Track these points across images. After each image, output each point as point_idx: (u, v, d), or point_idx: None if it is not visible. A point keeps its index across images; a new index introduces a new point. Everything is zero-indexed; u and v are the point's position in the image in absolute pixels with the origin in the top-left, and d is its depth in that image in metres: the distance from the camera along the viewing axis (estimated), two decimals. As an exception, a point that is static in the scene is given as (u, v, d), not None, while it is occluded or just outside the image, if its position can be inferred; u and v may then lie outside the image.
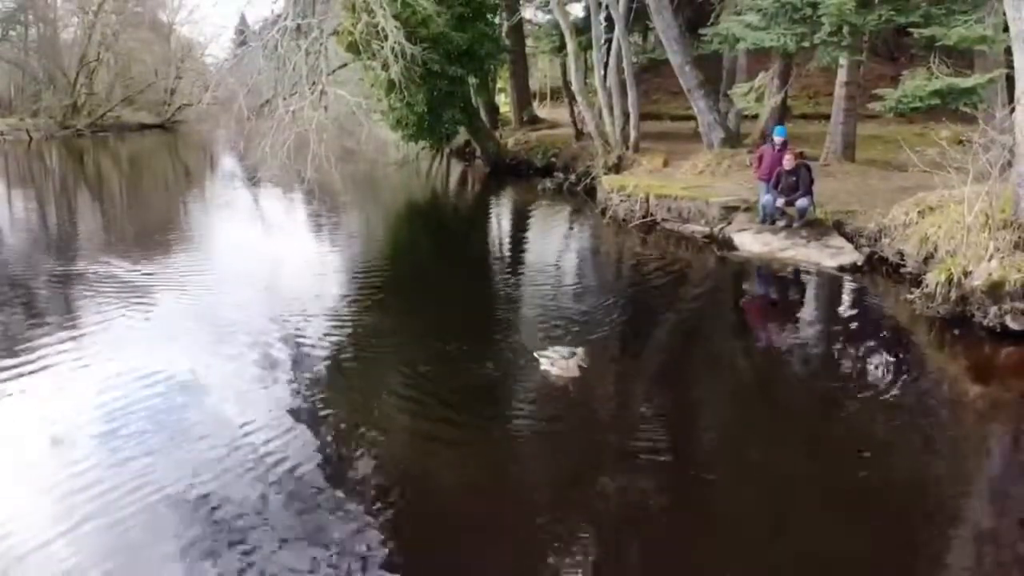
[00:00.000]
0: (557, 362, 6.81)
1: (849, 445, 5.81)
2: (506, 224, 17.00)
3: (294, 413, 6.21)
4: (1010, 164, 8.16)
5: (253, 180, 21.31)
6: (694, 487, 5.36)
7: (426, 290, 10.30)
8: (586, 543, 4.64)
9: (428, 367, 7.29)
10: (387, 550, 4.52)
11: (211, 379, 6.94)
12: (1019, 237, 7.93)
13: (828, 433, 6.14)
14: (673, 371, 7.63)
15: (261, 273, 11.03)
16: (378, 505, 4.96)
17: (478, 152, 23.97)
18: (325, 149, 15.05)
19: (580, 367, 6.82)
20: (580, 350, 7.08)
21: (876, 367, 7.45)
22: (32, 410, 6.36)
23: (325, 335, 8.16)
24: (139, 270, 11.00)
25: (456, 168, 26.21)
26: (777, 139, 12.27)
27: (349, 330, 8.52)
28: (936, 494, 5.31)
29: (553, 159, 21.62)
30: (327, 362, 7.44)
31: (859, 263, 10.59)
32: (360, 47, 16.93)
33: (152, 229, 15.65)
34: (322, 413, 6.28)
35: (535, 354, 7.07)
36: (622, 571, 4.46)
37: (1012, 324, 7.73)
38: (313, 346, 7.78)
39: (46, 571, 4.31)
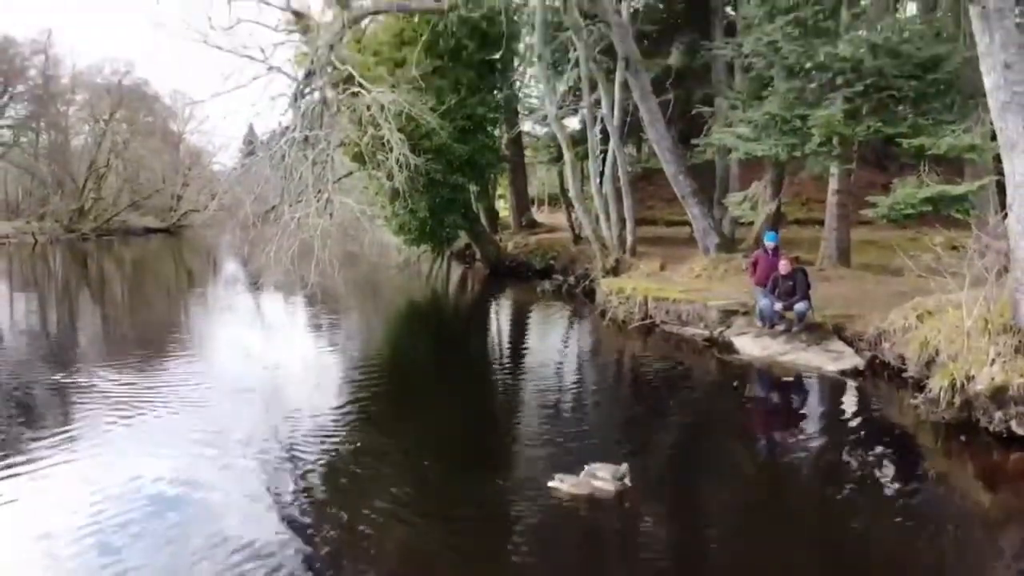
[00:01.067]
0: (567, 479, 6.59)
1: (856, 552, 5.68)
2: (506, 326, 17.10)
3: (283, 528, 6.02)
4: (1006, 269, 8.30)
5: (256, 285, 21.57)
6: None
7: (424, 400, 10.16)
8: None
9: (424, 486, 7.10)
10: None
11: (200, 491, 6.75)
12: (1019, 342, 7.96)
13: (837, 543, 5.98)
14: (680, 482, 7.49)
15: (258, 382, 10.94)
16: None
17: (478, 255, 24.38)
18: (329, 254, 15.29)
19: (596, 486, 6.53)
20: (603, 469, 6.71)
21: (883, 474, 7.35)
22: (20, 517, 6.25)
23: (319, 449, 7.97)
24: (136, 379, 10.92)
25: (456, 270, 26.57)
26: (769, 244, 12.52)
27: (343, 443, 8.24)
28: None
29: (552, 262, 21.98)
30: (319, 477, 7.23)
31: (860, 367, 10.60)
32: (366, 158, 17.49)
33: (152, 335, 15.69)
34: (312, 530, 6.07)
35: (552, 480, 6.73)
36: None
37: (1018, 429, 7.68)
38: (305, 460, 7.57)
39: None
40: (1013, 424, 7.70)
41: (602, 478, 6.48)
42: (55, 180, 44.76)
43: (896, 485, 7.07)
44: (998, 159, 10.21)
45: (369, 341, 15.12)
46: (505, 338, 15.56)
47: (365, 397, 10.11)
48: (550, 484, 6.54)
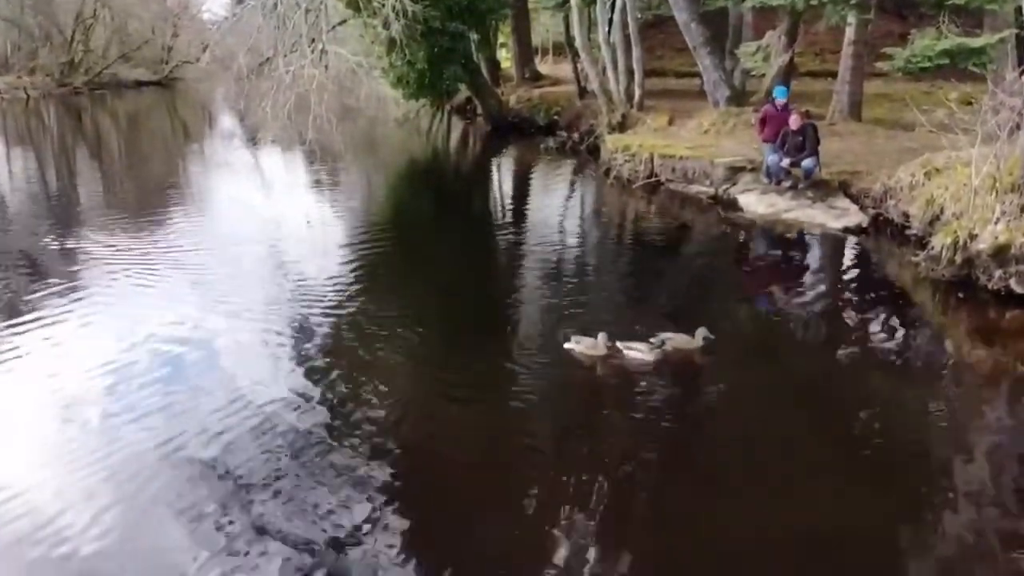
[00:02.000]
0: (584, 341, 6.60)
1: (852, 406, 5.86)
2: (508, 185, 16.92)
3: (285, 391, 6.13)
4: (1019, 127, 8.07)
5: (253, 140, 21.16)
6: (695, 446, 5.44)
7: (426, 259, 10.17)
8: (588, 507, 4.71)
9: (432, 335, 7.32)
10: (390, 511, 4.57)
11: (204, 343, 6.93)
12: (1027, 200, 7.88)
13: (831, 394, 6.17)
14: (667, 315, 7.59)
15: (261, 236, 10.99)
16: (380, 470, 5.00)
17: (479, 109, 23.73)
18: (325, 109, 14.90)
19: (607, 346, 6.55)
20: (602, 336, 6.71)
21: (880, 329, 7.48)
22: (36, 370, 6.44)
23: (327, 300, 8.14)
24: (137, 237, 10.94)
25: (457, 126, 25.99)
26: (779, 100, 12.15)
27: (347, 303, 8.29)
28: (936, 455, 5.38)
29: (556, 117, 21.42)
30: (329, 326, 7.43)
31: (864, 225, 10.56)
32: (360, 4, 16.68)
33: (151, 192, 15.57)
34: (324, 375, 6.31)
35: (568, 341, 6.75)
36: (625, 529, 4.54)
37: (1017, 287, 7.73)
38: (309, 320, 7.64)
39: (50, 529, 4.39)
40: (1012, 282, 7.74)
41: (638, 349, 6.49)
42: (43, 32, 43.11)
43: (892, 340, 7.22)
44: (1019, 11, 9.73)
45: (370, 199, 15.03)
46: (508, 198, 15.43)
47: (367, 256, 10.14)
48: (566, 345, 6.61)
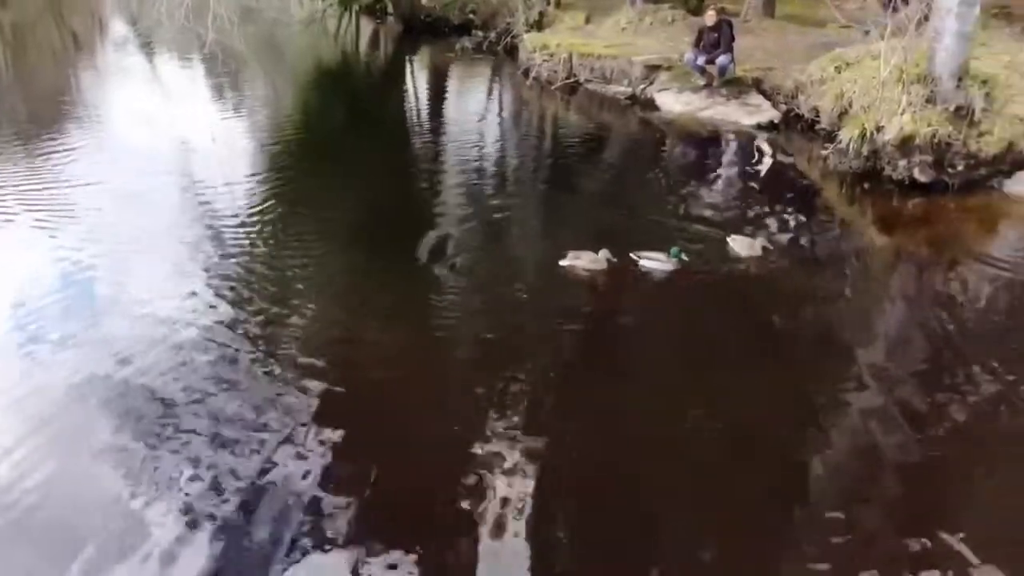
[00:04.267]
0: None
1: (764, 297, 6.12)
2: (424, 89, 16.42)
3: (211, 298, 6.03)
4: (927, 18, 8.28)
5: (149, 46, 19.82)
6: (614, 347, 5.63)
7: (342, 169, 9.82)
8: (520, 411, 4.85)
9: (351, 249, 7.22)
10: (316, 431, 4.56)
11: (115, 267, 6.61)
12: (931, 91, 8.17)
13: (744, 288, 6.40)
14: (592, 229, 7.76)
15: (163, 151, 10.36)
16: (305, 391, 4.93)
17: (390, 8, 22.73)
18: (226, 9, 13.96)
19: None
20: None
21: (789, 220, 7.78)
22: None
23: (239, 217, 7.76)
24: (30, 153, 10.18)
25: (366, 27, 24.82)
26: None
27: (263, 221, 7.89)
28: (843, 339, 5.72)
29: (471, 16, 20.68)
30: (243, 245, 7.10)
31: (776, 121, 10.79)
32: None
33: (43, 106, 14.45)
34: (242, 296, 6.13)
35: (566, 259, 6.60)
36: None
37: (920, 176, 8.12)
38: (226, 231, 7.39)
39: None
40: (916, 172, 8.13)
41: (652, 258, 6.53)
42: None
43: (801, 232, 7.53)
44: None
45: (278, 107, 14.34)
46: (424, 102, 15.00)
47: (279, 168, 9.76)
48: (561, 263, 6.50)
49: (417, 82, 16.97)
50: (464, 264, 6.74)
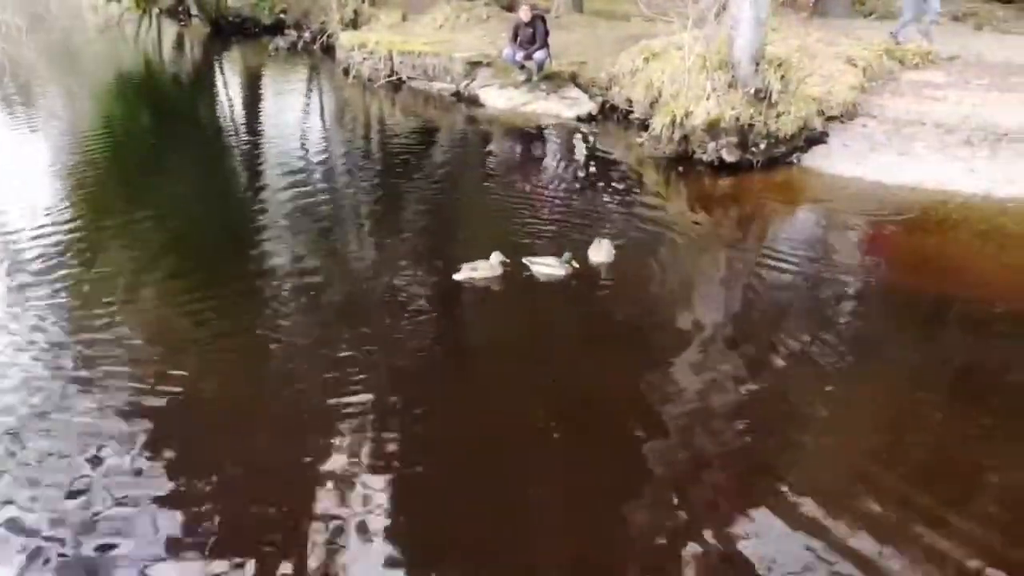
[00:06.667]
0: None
1: (591, 281, 6.37)
2: (238, 93, 15.64)
3: (19, 320, 5.60)
4: (724, 8, 8.89)
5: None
6: (451, 326, 5.66)
7: (154, 182, 9.20)
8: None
9: (167, 262, 6.85)
10: (139, 448, 4.41)
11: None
12: (732, 77, 8.78)
13: (574, 273, 6.56)
14: (423, 222, 7.84)
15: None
16: (129, 409, 4.74)
17: (193, 10, 21.49)
18: (13, 16, 12.67)
19: None
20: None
21: (610, 204, 8.16)
22: None
23: (44, 237, 7.20)
24: None
25: (169, 30, 23.32)
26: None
27: (70, 228, 7.51)
28: (666, 312, 6.10)
29: (282, 15, 19.97)
30: (49, 265, 6.63)
31: (594, 112, 11.22)
32: None
33: None
34: (49, 317, 5.73)
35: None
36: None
37: (727, 157, 8.73)
38: (27, 253, 6.86)
39: None
40: (723, 153, 8.72)
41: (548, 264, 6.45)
42: None
43: (622, 211, 7.91)
44: None
45: (78, 119, 13.17)
46: (239, 107, 14.25)
47: (82, 183, 9.02)
48: (456, 276, 6.32)
49: (231, 87, 16.14)
50: (285, 269, 6.53)
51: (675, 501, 4.10)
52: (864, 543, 3.77)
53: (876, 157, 8.84)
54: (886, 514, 3.95)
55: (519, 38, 11.88)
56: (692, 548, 3.77)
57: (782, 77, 8.83)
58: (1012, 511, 3.99)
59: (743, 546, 3.78)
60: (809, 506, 4.00)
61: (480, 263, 6.35)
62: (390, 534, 3.84)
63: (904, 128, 9.32)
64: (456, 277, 6.30)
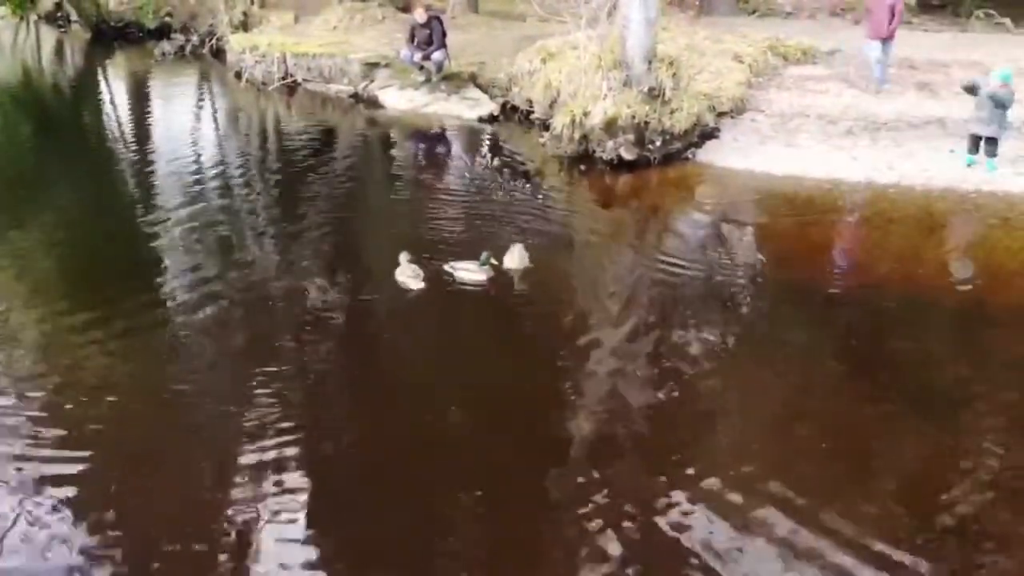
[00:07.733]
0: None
1: (500, 277, 6.43)
2: (124, 100, 14.89)
3: None
4: (615, 7, 9.07)
5: None
6: (361, 339, 5.63)
7: (38, 197, 8.73)
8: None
9: (58, 276, 6.74)
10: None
11: None
12: (626, 75, 8.97)
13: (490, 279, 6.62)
14: (327, 230, 7.73)
15: None
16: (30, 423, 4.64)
17: (73, 15, 20.41)
18: None
19: None
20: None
21: (516, 204, 8.25)
22: None
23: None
24: None
25: (48, 37, 22.04)
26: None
27: None
28: (575, 301, 6.27)
29: (167, 18, 19.20)
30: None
31: (495, 113, 11.26)
32: None
33: None
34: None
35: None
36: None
37: (625, 155, 8.93)
38: None
39: None
40: (622, 151, 8.91)
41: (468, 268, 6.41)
42: None
43: (531, 213, 7.99)
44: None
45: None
46: (125, 114, 13.54)
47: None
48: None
49: (117, 95, 15.35)
50: (190, 297, 6.33)
51: (592, 492, 4.21)
52: (767, 514, 4.03)
53: (765, 149, 9.23)
54: (783, 489, 4.18)
55: (416, 39, 11.80)
56: (610, 533, 3.94)
57: (674, 75, 9.09)
58: (902, 481, 4.30)
59: (659, 524, 4.00)
60: (715, 485, 4.23)
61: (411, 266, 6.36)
62: (303, 550, 3.83)
63: (790, 121, 9.77)
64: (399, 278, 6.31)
